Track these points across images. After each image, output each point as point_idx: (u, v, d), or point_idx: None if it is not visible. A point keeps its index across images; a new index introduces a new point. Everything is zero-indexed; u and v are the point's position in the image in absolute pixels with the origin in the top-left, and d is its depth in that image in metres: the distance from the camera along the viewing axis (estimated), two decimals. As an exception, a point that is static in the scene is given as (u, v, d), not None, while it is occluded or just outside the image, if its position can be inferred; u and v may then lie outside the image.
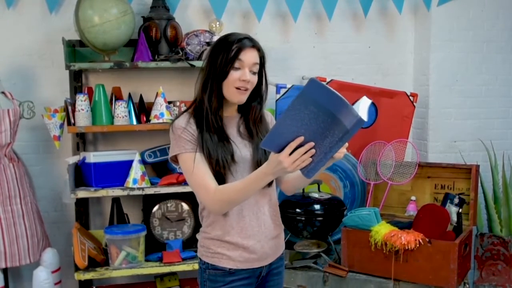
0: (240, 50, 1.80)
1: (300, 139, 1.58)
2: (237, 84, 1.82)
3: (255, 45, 1.85)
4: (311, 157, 1.59)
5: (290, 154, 1.59)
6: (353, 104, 1.58)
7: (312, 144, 1.58)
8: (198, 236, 1.97)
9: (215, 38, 2.98)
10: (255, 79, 1.86)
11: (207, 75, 1.84)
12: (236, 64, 1.81)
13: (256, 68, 1.85)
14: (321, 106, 1.51)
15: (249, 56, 1.82)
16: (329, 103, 1.51)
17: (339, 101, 1.50)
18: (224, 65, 1.80)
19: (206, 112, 1.84)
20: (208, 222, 1.91)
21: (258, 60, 1.85)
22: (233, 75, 1.81)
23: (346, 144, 1.65)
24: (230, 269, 1.87)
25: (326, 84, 3.23)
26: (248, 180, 1.73)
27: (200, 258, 1.94)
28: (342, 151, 1.66)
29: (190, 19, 3.36)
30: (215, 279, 1.88)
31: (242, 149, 1.87)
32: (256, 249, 1.89)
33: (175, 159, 1.87)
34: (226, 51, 1.80)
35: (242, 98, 1.85)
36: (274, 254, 1.97)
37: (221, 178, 1.81)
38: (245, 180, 1.74)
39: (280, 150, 1.60)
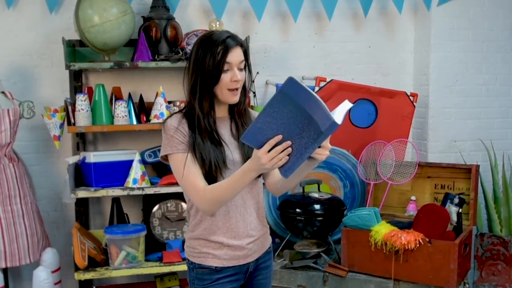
0: (226, 52, 1.79)
1: (279, 137, 1.60)
2: (230, 86, 1.82)
3: (238, 43, 1.84)
4: (288, 155, 1.61)
5: (269, 151, 1.61)
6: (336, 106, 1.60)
7: (289, 143, 1.60)
8: (185, 235, 1.98)
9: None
10: (244, 75, 1.87)
11: (195, 79, 1.84)
12: (225, 67, 1.81)
13: (243, 65, 1.86)
14: (299, 106, 1.54)
15: (235, 56, 1.82)
16: (306, 103, 1.53)
17: (315, 102, 1.52)
18: (212, 69, 1.80)
19: (198, 117, 1.85)
20: (195, 222, 1.93)
21: (243, 57, 1.86)
22: (224, 78, 1.81)
23: (329, 146, 1.66)
24: (216, 267, 1.90)
25: (326, 83, 3.27)
26: (235, 177, 1.75)
27: (187, 259, 1.97)
28: (325, 153, 1.65)
29: (190, 19, 3.36)
30: (202, 277, 1.91)
31: (233, 151, 1.89)
32: (241, 248, 1.91)
33: (166, 158, 1.89)
34: (212, 54, 1.79)
35: (236, 98, 1.87)
36: (261, 250, 1.99)
37: (212, 179, 1.83)
38: (231, 177, 1.76)
39: (261, 147, 1.63)
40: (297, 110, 1.55)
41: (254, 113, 2.04)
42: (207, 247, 1.90)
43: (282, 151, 1.60)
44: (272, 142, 1.60)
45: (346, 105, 1.63)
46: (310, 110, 1.53)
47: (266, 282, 2.05)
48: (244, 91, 1.92)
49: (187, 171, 1.81)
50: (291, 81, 1.53)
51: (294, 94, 1.53)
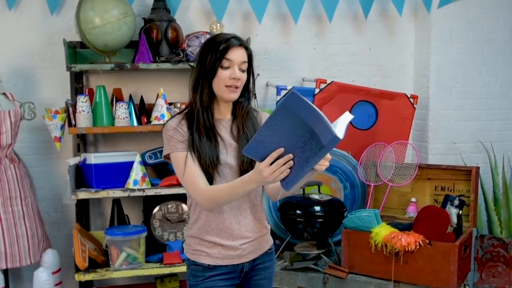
0: (227, 49, 1.86)
1: (281, 150, 1.61)
2: (228, 82, 1.87)
3: (242, 44, 1.90)
4: (289, 168, 1.62)
5: (271, 164, 1.63)
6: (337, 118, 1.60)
7: (291, 156, 1.61)
8: (184, 232, 2.03)
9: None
10: (244, 76, 1.91)
11: (198, 75, 1.90)
12: (225, 64, 1.86)
13: (245, 66, 1.90)
14: (301, 120, 1.55)
15: (237, 55, 1.87)
16: (308, 118, 1.54)
17: (317, 116, 1.53)
18: (213, 64, 1.86)
19: (198, 112, 1.89)
20: (192, 220, 1.99)
21: (246, 59, 1.90)
22: (223, 73, 1.86)
23: (329, 157, 1.67)
24: (209, 265, 1.94)
25: (326, 85, 3.27)
26: (234, 183, 1.78)
27: (185, 255, 2.02)
28: (325, 164, 1.66)
29: (190, 21, 3.36)
30: (197, 274, 1.96)
31: (229, 152, 1.91)
32: (234, 248, 1.94)
33: (168, 157, 1.94)
34: (214, 50, 1.86)
35: (233, 95, 1.90)
36: (257, 251, 2.01)
37: (209, 177, 1.87)
38: (231, 183, 1.80)
39: (263, 159, 1.64)
40: (299, 124, 1.55)
41: (262, 114, 2.04)
42: (201, 245, 1.95)
43: (284, 164, 1.61)
44: (274, 155, 1.62)
45: (347, 117, 1.63)
46: (312, 124, 1.54)
47: (265, 283, 2.06)
48: (248, 94, 1.96)
49: (187, 170, 1.85)
50: (293, 95, 1.54)
51: (297, 108, 1.54)
